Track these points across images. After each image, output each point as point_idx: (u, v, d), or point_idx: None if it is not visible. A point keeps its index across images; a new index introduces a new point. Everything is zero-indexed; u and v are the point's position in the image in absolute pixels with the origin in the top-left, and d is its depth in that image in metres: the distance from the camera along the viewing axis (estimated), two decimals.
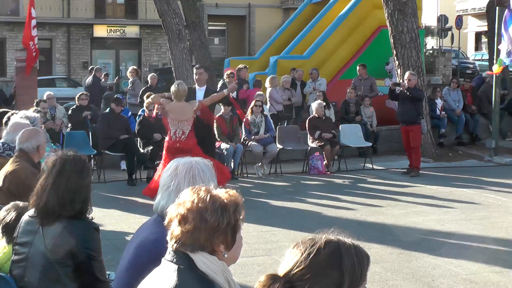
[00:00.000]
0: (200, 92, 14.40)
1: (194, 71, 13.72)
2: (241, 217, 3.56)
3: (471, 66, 44.08)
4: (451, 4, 67.98)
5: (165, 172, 4.41)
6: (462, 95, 23.74)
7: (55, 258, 5.01)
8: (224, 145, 16.95)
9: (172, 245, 3.55)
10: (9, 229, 5.63)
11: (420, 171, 17.74)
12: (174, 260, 3.54)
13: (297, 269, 2.89)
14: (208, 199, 3.51)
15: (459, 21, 47.60)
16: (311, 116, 18.62)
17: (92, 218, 5.24)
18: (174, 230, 3.53)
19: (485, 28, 39.69)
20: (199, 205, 3.49)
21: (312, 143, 18.12)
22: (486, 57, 35.55)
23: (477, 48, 66.96)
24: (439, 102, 22.28)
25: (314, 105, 18.82)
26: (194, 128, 13.34)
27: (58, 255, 5.01)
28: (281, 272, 2.91)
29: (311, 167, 17.99)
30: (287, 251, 2.96)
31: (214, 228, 3.49)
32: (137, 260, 4.30)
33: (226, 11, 49.14)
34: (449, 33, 47.77)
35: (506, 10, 19.65)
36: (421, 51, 22.30)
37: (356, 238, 2.92)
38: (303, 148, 18.33)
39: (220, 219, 3.49)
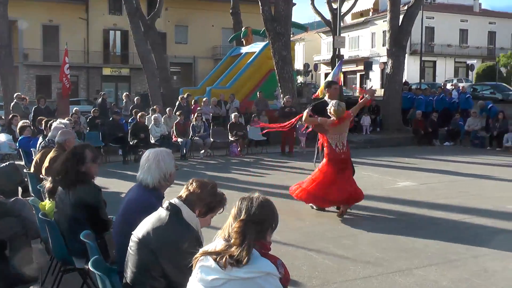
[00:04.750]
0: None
1: (332, 85, 9.65)
2: (219, 209, 3.54)
3: None
4: (311, 56, 68.76)
5: (142, 157, 4.34)
6: None
7: (75, 208, 4.90)
8: (179, 139, 16.95)
9: (179, 197, 3.52)
10: (52, 193, 5.49)
11: (293, 154, 17.94)
12: (169, 208, 3.48)
13: (252, 215, 2.84)
14: (215, 187, 3.57)
15: (316, 66, 48.06)
16: (230, 121, 18.56)
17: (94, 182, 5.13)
18: (185, 192, 3.53)
19: (330, 71, 40.11)
20: (210, 187, 3.56)
21: (231, 137, 18.07)
22: None
23: None
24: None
25: (232, 115, 18.78)
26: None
27: (77, 206, 4.90)
28: (243, 217, 2.86)
29: (231, 152, 17.95)
30: (237, 203, 2.89)
31: (202, 199, 3.47)
32: (127, 210, 4.24)
33: (180, 60, 48.93)
34: (310, 73, 48.21)
35: (339, 61, 19.93)
36: (294, 83, 22.46)
37: (264, 194, 2.90)
38: (226, 140, 18.26)
39: (208, 198, 3.48)
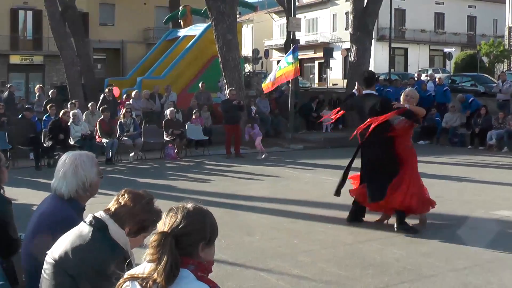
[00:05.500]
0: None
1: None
2: (154, 229, 3.46)
3: None
4: (261, 41, 69.05)
5: (58, 162, 4.24)
6: (269, 102, 24.22)
7: None
8: (104, 140, 16.74)
9: (106, 210, 3.43)
10: None
11: (240, 155, 17.99)
12: (93, 223, 3.39)
13: (179, 227, 2.79)
14: (151, 202, 3.50)
15: (267, 53, 48.32)
16: (165, 118, 18.45)
17: (4, 192, 4.97)
18: (114, 205, 3.44)
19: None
20: (146, 201, 3.48)
21: (166, 137, 17.96)
22: None
23: None
24: (253, 108, 22.55)
25: (168, 111, 18.68)
26: None
27: None
28: (166, 229, 2.80)
29: (166, 154, 17.85)
30: (164, 214, 2.81)
31: (134, 215, 3.40)
32: (39, 226, 4.12)
33: (106, 45, 48.34)
34: (260, 61, 48.47)
35: (294, 46, 20.10)
36: (241, 73, 22.51)
37: (201, 203, 2.86)
38: (161, 141, 18.14)
39: (142, 214, 3.42)
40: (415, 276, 6.74)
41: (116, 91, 21.29)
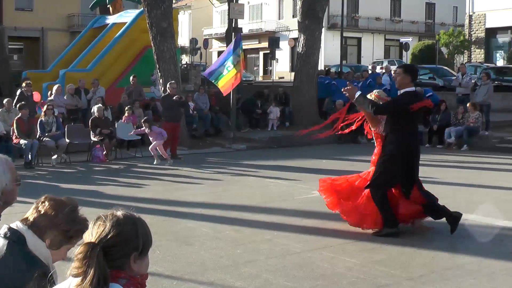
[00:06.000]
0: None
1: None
2: (79, 239, 3.43)
3: None
4: (200, 29, 68.95)
5: None
6: (209, 98, 24.22)
7: None
8: (22, 141, 16.48)
9: (23, 220, 3.35)
10: None
11: (177, 157, 17.97)
12: (8, 235, 3.34)
13: (108, 237, 2.78)
14: (75, 210, 3.43)
15: (206, 43, 48.30)
16: (93, 116, 18.30)
17: None
18: (33, 214, 3.37)
19: (225, 48, 40.57)
20: (69, 209, 3.39)
21: (94, 138, 17.80)
22: None
23: None
24: (191, 104, 22.53)
25: (95, 108, 18.52)
26: None
27: None
28: (94, 240, 2.80)
29: (94, 157, 17.69)
30: (91, 223, 2.84)
31: (56, 225, 3.37)
32: None
33: (23, 33, 47.54)
34: (199, 51, 48.41)
35: (238, 35, 20.22)
36: (177, 65, 22.47)
37: (132, 210, 2.88)
38: (87, 142, 17.98)
39: (65, 224, 3.39)
40: (369, 286, 6.88)
41: (36, 96, 20.65)
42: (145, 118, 18.00)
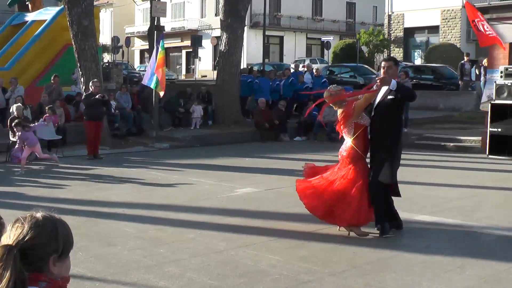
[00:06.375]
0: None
1: (382, 63, 9.24)
2: None
3: (137, 75, 44.62)
4: (122, 27, 68.25)
5: None
6: (131, 97, 24.04)
7: None
8: None
9: None
10: None
11: (100, 157, 17.77)
12: None
13: (26, 239, 2.72)
14: None
15: (128, 41, 47.80)
16: (11, 116, 17.88)
17: None
18: None
19: (147, 47, 40.42)
20: None
21: (13, 138, 17.39)
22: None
23: (142, 61, 68.06)
24: (113, 103, 22.30)
25: (14, 107, 18.10)
26: None
27: None
28: (11, 242, 2.72)
29: (13, 157, 17.31)
30: (9, 225, 2.76)
31: None
32: None
33: None
34: (121, 50, 47.93)
35: (160, 36, 20.21)
36: (99, 63, 22.20)
37: (53, 211, 2.83)
38: (6, 142, 17.57)
39: None
40: (293, 282, 6.94)
41: None
42: (17, 121, 16.86)
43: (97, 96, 17.75)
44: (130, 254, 8.13)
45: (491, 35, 17.71)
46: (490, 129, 17.79)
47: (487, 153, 17.83)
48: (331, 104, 8.96)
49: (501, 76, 17.74)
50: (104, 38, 63.62)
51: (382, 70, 9.14)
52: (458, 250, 8.30)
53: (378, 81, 8.82)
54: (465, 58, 29.71)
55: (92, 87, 18.01)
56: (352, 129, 8.83)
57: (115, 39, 49.30)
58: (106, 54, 55.20)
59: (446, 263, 7.68)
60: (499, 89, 17.63)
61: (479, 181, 13.87)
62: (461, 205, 11.27)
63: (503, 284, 6.88)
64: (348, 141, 8.91)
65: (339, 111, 8.88)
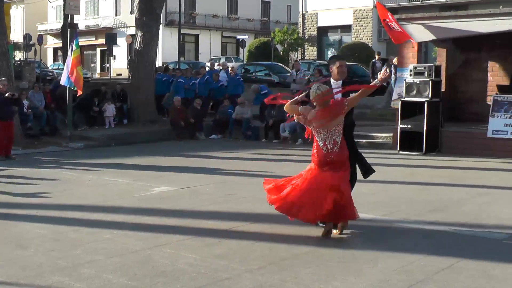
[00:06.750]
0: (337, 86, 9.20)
1: (337, 63, 9.15)
2: None
3: (50, 73, 43.93)
4: (34, 25, 66.81)
5: None
6: (44, 96, 23.60)
7: None
8: None
9: None
10: None
11: (12, 157, 17.37)
12: None
13: None
14: None
15: (40, 39, 46.84)
16: None
17: None
18: None
19: (61, 45, 39.84)
20: None
21: None
22: (62, 67, 35.30)
23: (55, 59, 66.96)
24: (26, 102, 21.83)
25: None
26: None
27: None
28: None
29: None
30: None
31: None
32: None
33: None
34: (33, 48, 46.90)
35: (75, 34, 20.01)
36: (10, 61, 21.68)
37: None
38: None
39: None
40: (210, 280, 6.94)
41: None
42: None
43: (6, 95, 17.32)
44: (45, 257, 7.97)
45: (403, 32, 18.13)
46: (401, 125, 18.24)
47: (398, 149, 18.27)
48: (314, 102, 8.63)
49: (411, 75, 18.20)
50: (16, 35, 62.15)
51: (337, 70, 9.12)
52: (371, 244, 8.47)
53: (379, 80, 8.76)
54: (376, 57, 30.29)
55: (0, 86, 17.55)
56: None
57: (27, 37, 48.19)
58: (17, 52, 53.85)
59: (359, 257, 7.83)
60: (409, 87, 18.09)
61: (391, 176, 14.19)
62: (374, 200, 11.50)
63: (414, 275, 7.06)
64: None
65: (315, 111, 8.60)
